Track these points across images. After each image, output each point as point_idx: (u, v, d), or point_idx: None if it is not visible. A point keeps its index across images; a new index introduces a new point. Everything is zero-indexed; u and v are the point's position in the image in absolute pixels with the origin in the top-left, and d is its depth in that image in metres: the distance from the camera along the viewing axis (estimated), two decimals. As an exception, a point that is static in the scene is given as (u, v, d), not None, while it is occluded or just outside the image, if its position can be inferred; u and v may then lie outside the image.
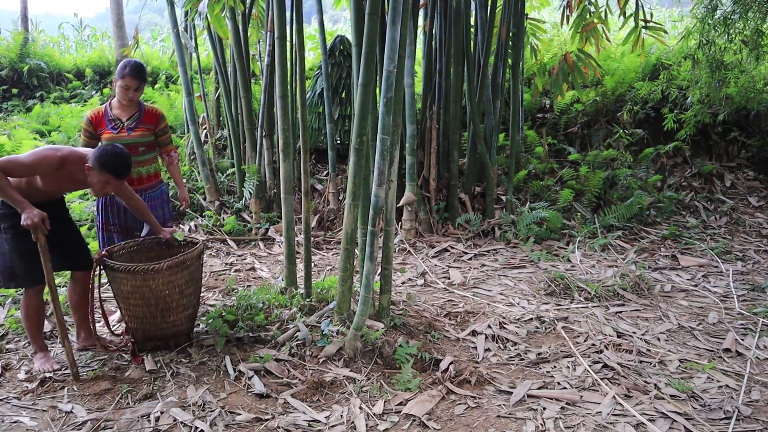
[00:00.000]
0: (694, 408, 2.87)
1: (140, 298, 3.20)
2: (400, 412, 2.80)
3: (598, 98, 7.51)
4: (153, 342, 3.35)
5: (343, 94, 6.67)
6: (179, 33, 6.15)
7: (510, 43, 6.14)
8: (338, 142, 6.75)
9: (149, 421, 2.68)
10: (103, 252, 3.31)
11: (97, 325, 3.45)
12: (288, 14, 4.04)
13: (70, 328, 3.57)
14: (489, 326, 3.77)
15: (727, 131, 7.48)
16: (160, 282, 3.17)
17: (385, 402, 2.87)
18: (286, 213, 4.00)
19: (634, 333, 3.73)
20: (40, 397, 2.89)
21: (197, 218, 6.13)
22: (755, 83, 6.78)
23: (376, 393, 2.95)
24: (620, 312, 4.10)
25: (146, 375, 3.09)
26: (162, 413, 2.72)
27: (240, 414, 2.75)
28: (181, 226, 5.85)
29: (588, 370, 3.21)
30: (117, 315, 3.80)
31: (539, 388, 3.04)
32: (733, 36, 5.54)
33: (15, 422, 2.66)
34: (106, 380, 3.03)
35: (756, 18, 5.40)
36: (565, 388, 3.05)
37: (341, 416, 2.75)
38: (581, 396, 2.96)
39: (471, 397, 2.95)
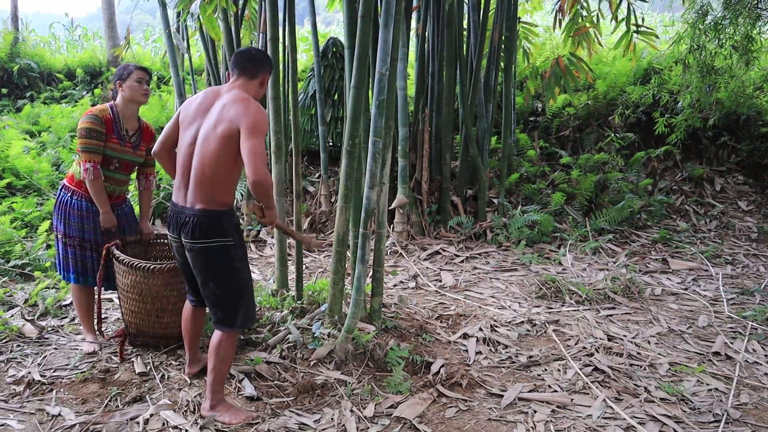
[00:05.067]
0: (684, 411, 2.89)
1: (138, 294, 3.19)
2: (391, 415, 2.79)
3: (589, 102, 7.55)
4: (144, 338, 3.34)
5: (336, 96, 6.66)
6: (171, 34, 6.12)
7: (502, 46, 6.17)
8: (330, 144, 6.73)
9: (138, 424, 2.66)
10: (116, 240, 3.27)
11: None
12: (280, 16, 4.04)
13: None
14: (480, 329, 3.77)
15: (718, 135, 7.54)
16: (159, 282, 3.14)
17: (376, 405, 2.86)
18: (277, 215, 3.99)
19: (625, 336, 3.74)
20: (28, 400, 2.86)
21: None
22: (745, 88, 6.84)
23: (367, 396, 2.94)
24: (611, 315, 4.11)
25: (136, 377, 3.06)
26: (152, 416, 2.70)
27: (230, 417, 2.73)
28: None
29: (579, 373, 3.22)
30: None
31: (530, 391, 3.05)
32: (724, 41, 5.58)
33: (2, 425, 2.63)
34: (95, 383, 3.01)
35: (746, 23, 5.44)
36: (555, 391, 3.06)
37: (332, 419, 2.74)
38: (572, 399, 2.97)
39: (462, 400, 2.95)
